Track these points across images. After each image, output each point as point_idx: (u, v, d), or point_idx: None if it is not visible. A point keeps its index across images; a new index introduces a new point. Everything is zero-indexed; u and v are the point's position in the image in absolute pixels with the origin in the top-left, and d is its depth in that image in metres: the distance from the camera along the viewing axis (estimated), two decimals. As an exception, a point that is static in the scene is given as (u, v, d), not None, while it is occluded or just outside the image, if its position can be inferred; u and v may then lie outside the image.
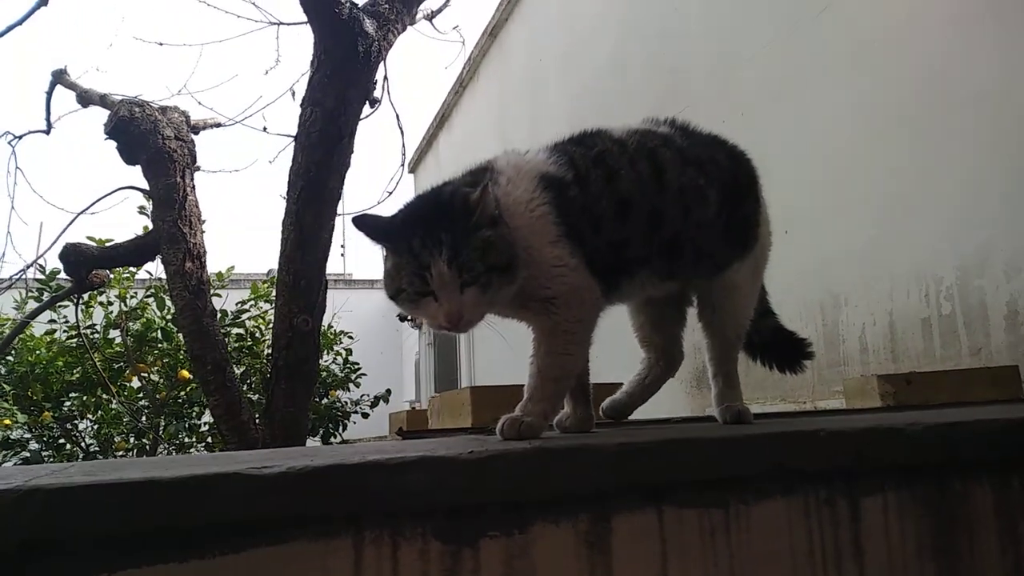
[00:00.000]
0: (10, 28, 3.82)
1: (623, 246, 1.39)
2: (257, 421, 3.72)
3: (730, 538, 1.17)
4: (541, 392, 1.33)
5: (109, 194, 3.98)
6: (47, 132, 4.57)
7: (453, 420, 1.71)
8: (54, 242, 3.94)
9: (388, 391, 6.29)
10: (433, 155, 8.05)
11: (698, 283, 1.59)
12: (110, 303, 5.44)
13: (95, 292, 5.33)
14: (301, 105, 3.42)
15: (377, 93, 3.79)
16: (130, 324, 5.36)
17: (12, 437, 5.22)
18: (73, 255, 3.90)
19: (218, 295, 5.75)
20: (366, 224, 1.31)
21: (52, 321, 5.14)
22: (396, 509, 1.03)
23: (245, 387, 5.38)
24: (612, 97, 4.15)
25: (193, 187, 3.92)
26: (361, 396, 6.10)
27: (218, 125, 4.65)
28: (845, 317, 2.47)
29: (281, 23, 4.11)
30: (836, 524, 1.23)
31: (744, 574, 1.17)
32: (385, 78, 4.10)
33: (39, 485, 0.90)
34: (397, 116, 4.21)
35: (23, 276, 4.42)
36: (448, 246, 1.22)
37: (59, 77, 4.44)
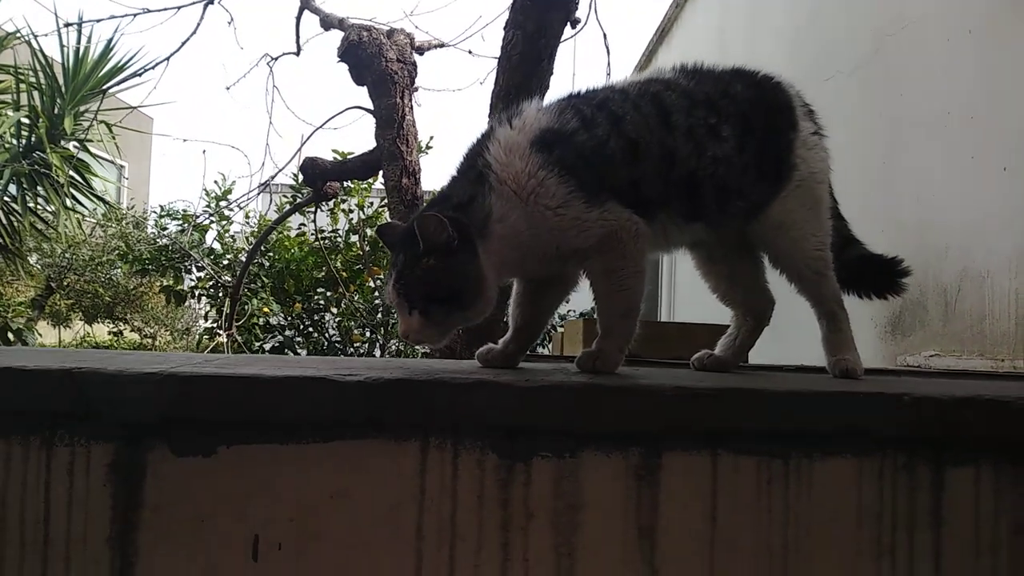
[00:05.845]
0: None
1: (638, 184, 1.38)
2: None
3: (788, 490, 1.18)
4: (612, 328, 1.40)
5: (338, 114, 4.40)
6: (297, 54, 5.09)
7: (572, 348, 1.81)
8: (293, 156, 4.48)
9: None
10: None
11: (752, 229, 1.54)
12: (351, 210, 6.06)
13: (339, 200, 5.97)
14: (504, 28, 3.54)
15: (582, 14, 3.82)
16: (367, 231, 5.95)
17: (272, 323, 6.07)
18: (310, 168, 4.40)
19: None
20: (383, 232, 1.50)
21: (302, 224, 5.84)
22: (458, 423, 1.16)
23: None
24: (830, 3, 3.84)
25: (411, 107, 4.22)
26: (568, 311, 6.32)
27: (441, 45, 4.91)
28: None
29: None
30: (914, 490, 1.19)
31: (800, 525, 1.18)
32: (592, -5, 4.09)
33: (174, 372, 1.14)
34: (604, 35, 4.21)
35: (269, 186, 5.03)
36: (397, 270, 1.32)
37: (306, 3, 4.90)
